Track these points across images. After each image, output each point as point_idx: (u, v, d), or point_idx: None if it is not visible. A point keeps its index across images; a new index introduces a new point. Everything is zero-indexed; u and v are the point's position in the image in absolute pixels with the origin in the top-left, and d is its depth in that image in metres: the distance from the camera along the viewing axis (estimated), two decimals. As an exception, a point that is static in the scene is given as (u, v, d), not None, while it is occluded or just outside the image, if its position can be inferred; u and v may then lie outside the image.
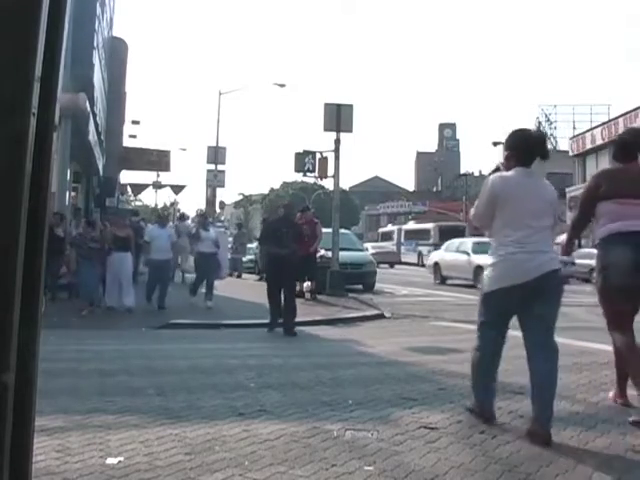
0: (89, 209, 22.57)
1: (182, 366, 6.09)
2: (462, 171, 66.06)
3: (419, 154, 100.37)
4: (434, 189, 79.87)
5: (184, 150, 67.51)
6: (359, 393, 4.80)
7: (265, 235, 10.58)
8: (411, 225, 43.51)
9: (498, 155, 28.91)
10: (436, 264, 20.90)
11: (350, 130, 16.12)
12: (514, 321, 3.93)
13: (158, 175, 34.11)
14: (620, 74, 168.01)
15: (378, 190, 77.62)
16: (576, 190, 27.73)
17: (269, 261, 9.76)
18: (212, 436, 3.63)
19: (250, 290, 15.14)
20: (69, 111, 13.00)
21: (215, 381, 5.32)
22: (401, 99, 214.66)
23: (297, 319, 9.21)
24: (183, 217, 22.81)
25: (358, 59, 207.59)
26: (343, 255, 15.84)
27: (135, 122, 34.22)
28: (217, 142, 29.56)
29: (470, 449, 3.45)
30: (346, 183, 70.57)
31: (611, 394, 4.51)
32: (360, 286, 16.96)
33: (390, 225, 51.08)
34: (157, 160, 30.06)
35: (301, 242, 10.04)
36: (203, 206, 31.07)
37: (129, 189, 35.75)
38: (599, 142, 31.61)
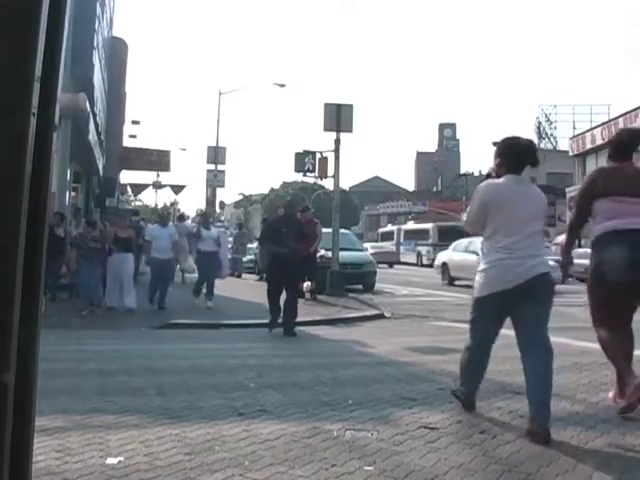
0: (89, 209, 22.57)
1: (182, 366, 6.09)
2: (462, 171, 66.17)
3: (419, 154, 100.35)
4: (434, 189, 79.84)
5: (184, 150, 67.61)
6: (359, 393, 4.80)
7: (265, 235, 10.56)
8: (410, 225, 43.48)
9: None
10: (444, 264, 20.27)
11: (350, 130, 16.12)
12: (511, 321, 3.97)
13: (158, 175, 34.12)
14: (620, 74, 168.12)
15: (378, 190, 77.59)
16: (576, 190, 27.68)
17: (270, 261, 9.65)
18: (212, 436, 3.63)
19: (250, 290, 15.15)
20: (69, 111, 13.00)
21: (215, 381, 5.31)
22: (401, 99, 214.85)
23: (297, 319, 9.19)
24: (182, 217, 22.83)
25: (358, 59, 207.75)
26: (343, 255, 15.84)
27: (135, 122, 34.24)
28: (217, 142, 29.59)
29: (470, 449, 3.45)
30: (346, 183, 70.60)
31: (611, 394, 4.50)
32: (360, 286, 16.97)
33: (390, 225, 51.06)
34: (157, 160, 30.07)
35: (304, 241, 9.83)
36: (203, 206, 31.13)
37: (129, 189, 35.76)
38: (599, 142, 31.57)
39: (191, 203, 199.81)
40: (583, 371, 5.57)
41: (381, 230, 48.90)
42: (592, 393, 4.76)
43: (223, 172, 30.13)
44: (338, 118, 15.67)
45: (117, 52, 24.60)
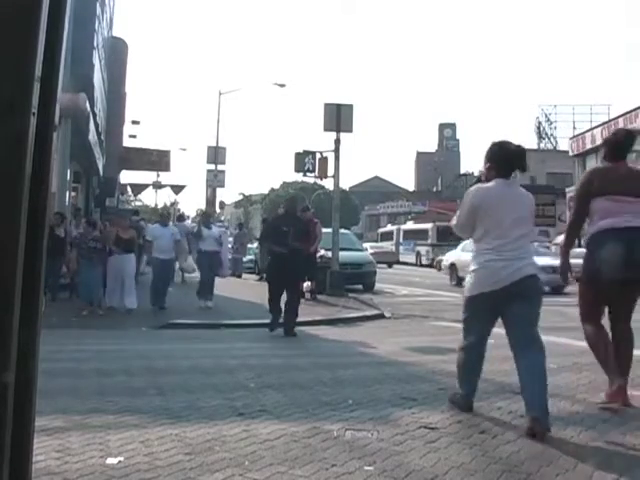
0: (89, 209, 22.58)
1: (182, 366, 6.09)
2: (462, 171, 66.01)
3: (419, 154, 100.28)
4: (434, 189, 79.78)
5: (184, 150, 67.66)
6: (359, 393, 4.80)
7: (265, 235, 10.53)
8: (410, 225, 43.48)
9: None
10: (452, 265, 19.75)
11: (350, 130, 16.13)
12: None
13: (158, 175, 34.13)
14: (620, 74, 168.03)
15: (378, 190, 77.55)
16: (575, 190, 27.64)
17: (271, 260, 9.52)
18: (212, 436, 3.63)
19: (250, 290, 15.15)
20: (69, 111, 13.00)
21: (215, 381, 5.32)
22: (401, 99, 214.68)
23: (297, 319, 9.16)
24: (181, 217, 22.84)
25: (358, 59, 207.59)
26: (343, 255, 15.85)
27: (135, 122, 34.25)
28: (217, 142, 29.62)
29: (470, 449, 3.45)
30: (346, 183, 70.63)
31: (611, 394, 4.50)
32: (360, 286, 16.97)
33: (389, 225, 51.06)
34: (157, 160, 30.08)
35: (306, 240, 9.54)
36: (203, 206, 31.14)
37: (129, 189, 35.78)
38: (599, 142, 31.47)
39: (191, 203, 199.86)
40: (583, 371, 5.57)
41: (381, 230, 48.90)
42: (592, 393, 4.75)
43: (223, 172, 30.16)
44: (338, 118, 15.68)
45: (117, 52, 24.62)
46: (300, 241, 9.05)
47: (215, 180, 29.51)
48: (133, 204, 47.05)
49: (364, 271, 17.47)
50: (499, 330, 4.13)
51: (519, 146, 4.22)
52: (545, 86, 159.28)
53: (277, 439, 3.59)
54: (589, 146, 33.31)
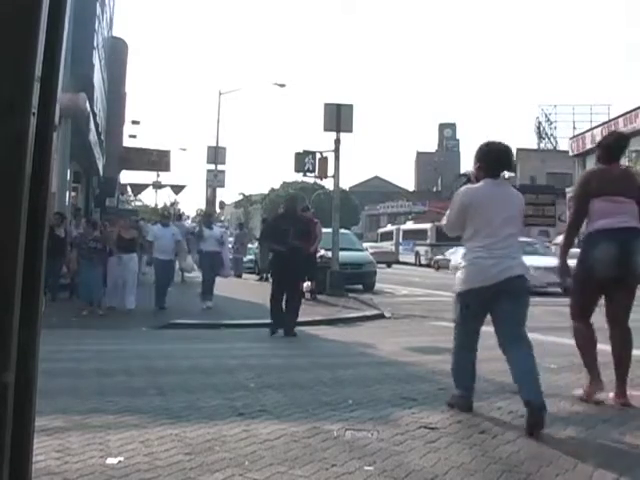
0: (89, 209, 22.59)
1: (182, 366, 6.09)
2: (462, 171, 65.91)
3: (419, 154, 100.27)
4: (434, 189, 79.78)
5: (184, 150, 67.75)
6: (359, 393, 4.80)
7: (265, 234, 10.48)
8: (409, 225, 43.53)
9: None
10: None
11: (350, 130, 16.13)
12: None
13: (158, 175, 34.15)
14: (620, 74, 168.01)
15: (378, 190, 77.56)
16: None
17: (272, 262, 9.37)
18: (212, 436, 3.63)
19: (250, 290, 15.15)
20: (69, 111, 13.01)
21: (215, 381, 5.31)
22: (401, 99, 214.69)
23: (297, 319, 9.14)
24: (180, 217, 22.86)
25: (358, 59, 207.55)
26: (343, 255, 15.84)
27: (135, 122, 34.27)
28: (217, 142, 29.63)
29: (470, 449, 3.45)
30: (346, 183, 70.60)
31: (611, 394, 4.51)
32: (360, 286, 16.97)
33: (389, 225, 51.08)
34: (157, 160, 30.11)
35: (307, 239, 9.33)
36: (203, 206, 31.16)
37: (129, 189, 35.80)
38: (599, 142, 31.52)
39: (191, 203, 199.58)
40: (583, 371, 5.56)
41: (381, 230, 48.93)
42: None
43: (223, 172, 30.17)
44: (338, 118, 15.68)
45: (117, 52, 24.65)
46: (300, 240, 8.91)
47: (215, 180, 29.51)
48: (133, 204, 47.08)
49: (364, 271, 17.47)
50: (482, 327, 4.21)
51: (506, 146, 4.30)
52: (545, 86, 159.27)
53: (277, 439, 3.59)
54: (589, 146, 33.27)
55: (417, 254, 37.05)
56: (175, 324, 10.04)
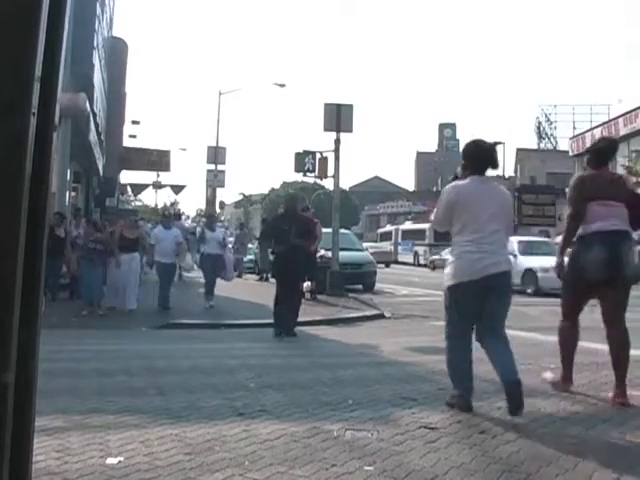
0: (89, 209, 22.58)
1: (182, 366, 6.09)
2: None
3: (419, 154, 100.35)
4: (434, 189, 79.67)
5: (184, 150, 67.73)
6: (359, 393, 4.80)
7: (265, 235, 10.43)
8: (408, 225, 43.57)
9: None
10: None
11: (350, 130, 16.12)
12: None
13: (158, 175, 34.14)
14: (620, 74, 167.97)
15: (378, 190, 77.57)
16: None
17: (274, 262, 9.27)
18: (212, 436, 3.63)
19: (250, 290, 15.15)
20: (69, 111, 13.00)
21: (215, 381, 5.31)
22: (401, 99, 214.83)
23: (297, 319, 9.12)
24: (180, 217, 22.85)
25: (358, 59, 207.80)
26: (343, 255, 15.84)
27: (135, 122, 34.25)
28: (217, 142, 29.62)
29: (470, 449, 3.45)
30: (346, 183, 70.64)
31: (611, 394, 4.52)
32: (360, 286, 16.97)
33: (389, 225, 51.07)
34: (157, 160, 30.10)
35: (308, 238, 9.18)
36: (203, 206, 31.17)
37: (129, 189, 35.79)
38: (599, 142, 31.47)
39: (191, 203, 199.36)
40: (583, 371, 5.57)
41: (380, 230, 48.93)
42: (592, 393, 4.76)
43: (223, 172, 30.15)
44: (338, 118, 15.67)
45: (117, 52, 24.65)
46: (301, 239, 8.83)
47: (215, 180, 29.50)
48: (133, 204, 47.05)
49: (364, 271, 17.47)
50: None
51: (492, 144, 4.44)
52: (545, 86, 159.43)
53: (277, 439, 3.58)
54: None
55: (416, 254, 37.11)
56: (175, 324, 10.05)
